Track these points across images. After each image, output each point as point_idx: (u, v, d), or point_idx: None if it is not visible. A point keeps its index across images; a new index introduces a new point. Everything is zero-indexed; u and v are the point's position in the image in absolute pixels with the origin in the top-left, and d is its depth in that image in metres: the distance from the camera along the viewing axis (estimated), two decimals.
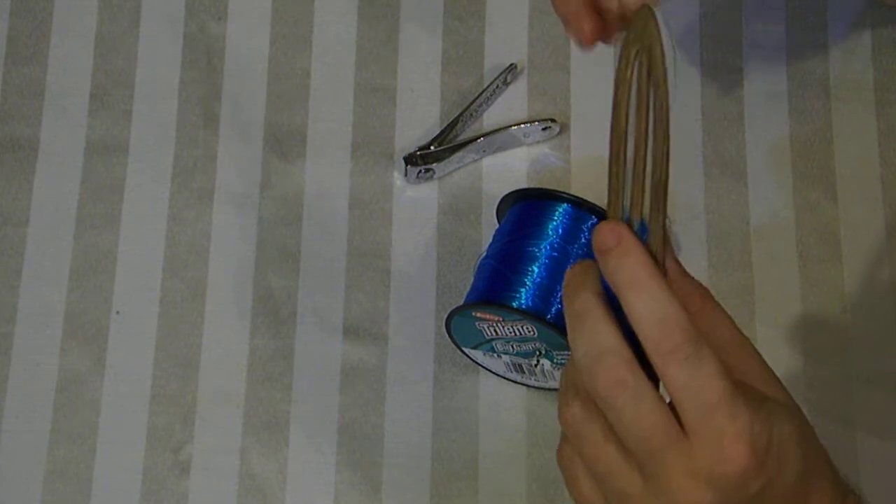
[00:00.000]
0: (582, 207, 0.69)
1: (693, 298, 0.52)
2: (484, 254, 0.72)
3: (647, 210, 0.50)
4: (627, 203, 0.51)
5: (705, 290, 0.53)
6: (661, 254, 0.51)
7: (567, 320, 0.51)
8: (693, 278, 0.53)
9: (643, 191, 0.51)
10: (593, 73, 0.81)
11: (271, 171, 0.79)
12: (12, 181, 0.79)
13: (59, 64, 0.81)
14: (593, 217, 0.70)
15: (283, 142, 0.79)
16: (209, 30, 0.82)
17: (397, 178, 0.78)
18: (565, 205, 0.69)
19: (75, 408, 0.74)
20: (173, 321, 0.76)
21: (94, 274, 0.77)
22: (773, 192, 0.78)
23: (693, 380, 0.49)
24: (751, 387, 0.51)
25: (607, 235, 0.50)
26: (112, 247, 0.77)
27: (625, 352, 0.49)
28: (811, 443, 0.52)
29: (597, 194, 0.69)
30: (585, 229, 0.69)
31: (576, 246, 0.69)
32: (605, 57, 0.81)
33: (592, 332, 0.50)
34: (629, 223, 0.51)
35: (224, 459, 0.73)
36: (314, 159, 0.79)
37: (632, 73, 0.50)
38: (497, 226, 0.73)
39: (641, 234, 0.50)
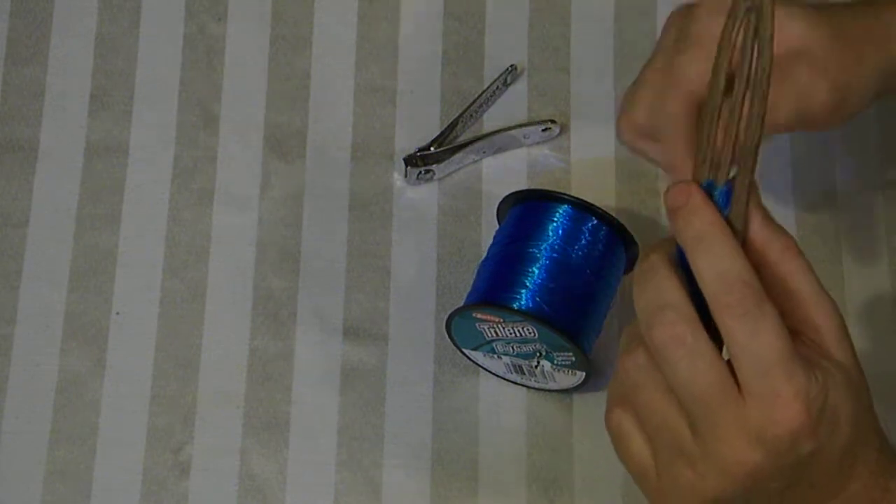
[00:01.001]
0: (582, 208, 0.69)
1: (773, 247, 0.51)
2: (485, 255, 0.73)
3: (733, 173, 0.50)
4: (709, 165, 0.51)
5: (789, 240, 0.52)
6: (743, 217, 0.51)
7: (635, 277, 0.51)
8: (777, 227, 0.52)
9: (733, 153, 0.50)
10: (593, 74, 0.81)
11: (271, 171, 0.79)
12: (12, 181, 0.79)
13: (59, 64, 0.81)
14: (593, 218, 0.70)
15: (283, 142, 0.79)
16: (209, 30, 0.82)
17: (397, 178, 0.78)
18: (566, 206, 0.70)
19: (75, 408, 0.74)
20: (173, 322, 0.76)
21: (94, 274, 0.77)
22: (774, 192, 0.78)
23: (751, 337, 0.49)
24: (815, 346, 0.51)
25: (678, 195, 0.51)
26: (112, 247, 0.77)
27: (685, 308, 0.50)
28: (866, 411, 0.52)
29: (597, 195, 0.69)
30: (586, 230, 0.69)
31: (576, 247, 0.69)
32: (605, 57, 0.81)
33: (656, 288, 0.50)
34: (712, 185, 0.51)
35: (224, 460, 0.73)
36: (314, 160, 0.79)
37: (738, 32, 0.49)
38: (497, 227, 0.73)
39: (727, 196, 0.50)
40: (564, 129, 0.79)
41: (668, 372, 0.50)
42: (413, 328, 0.75)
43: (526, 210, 0.71)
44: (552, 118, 0.78)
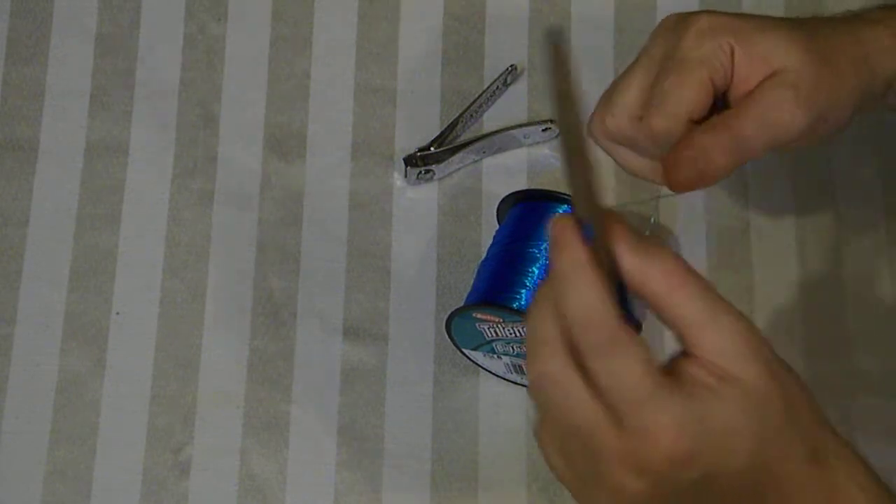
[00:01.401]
0: None
1: (651, 274, 0.51)
2: (485, 255, 0.73)
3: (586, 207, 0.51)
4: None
5: (669, 264, 0.51)
6: (605, 250, 0.50)
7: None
8: (654, 252, 0.51)
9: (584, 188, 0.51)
10: (593, 74, 0.81)
11: (271, 171, 0.79)
12: (12, 181, 0.79)
13: (59, 64, 0.81)
14: None
15: (283, 142, 0.79)
16: (209, 30, 0.82)
17: (397, 179, 0.78)
18: (565, 206, 0.70)
19: (75, 408, 0.74)
20: (173, 322, 0.76)
21: (94, 274, 0.77)
22: (774, 192, 0.78)
23: (610, 376, 0.49)
24: (711, 368, 0.51)
25: (552, 229, 0.51)
26: (112, 247, 0.77)
27: (557, 345, 0.50)
28: (786, 425, 0.51)
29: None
30: (585, 230, 0.69)
31: None
32: (605, 58, 0.81)
33: (534, 323, 0.52)
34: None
35: (224, 460, 0.73)
36: (314, 160, 0.79)
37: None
38: (497, 227, 0.73)
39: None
40: None
41: (548, 407, 0.51)
42: (413, 328, 0.75)
43: (526, 210, 0.71)
44: (552, 118, 0.78)
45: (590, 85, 0.79)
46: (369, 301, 0.76)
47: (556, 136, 0.79)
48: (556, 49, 0.49)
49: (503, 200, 0.73)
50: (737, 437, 0.50)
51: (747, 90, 0.61)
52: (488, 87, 0.79)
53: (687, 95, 0.61)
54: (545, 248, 0.69)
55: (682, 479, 0.50)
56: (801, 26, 0.63)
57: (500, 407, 0.74)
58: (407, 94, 0.80)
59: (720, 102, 0.62)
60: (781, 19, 0.64)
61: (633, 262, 0.51)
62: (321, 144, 0.79)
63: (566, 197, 0.70)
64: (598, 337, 0.50)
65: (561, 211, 0.69)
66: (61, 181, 0.79)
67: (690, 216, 0.77)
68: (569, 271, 0.50)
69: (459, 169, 0.79)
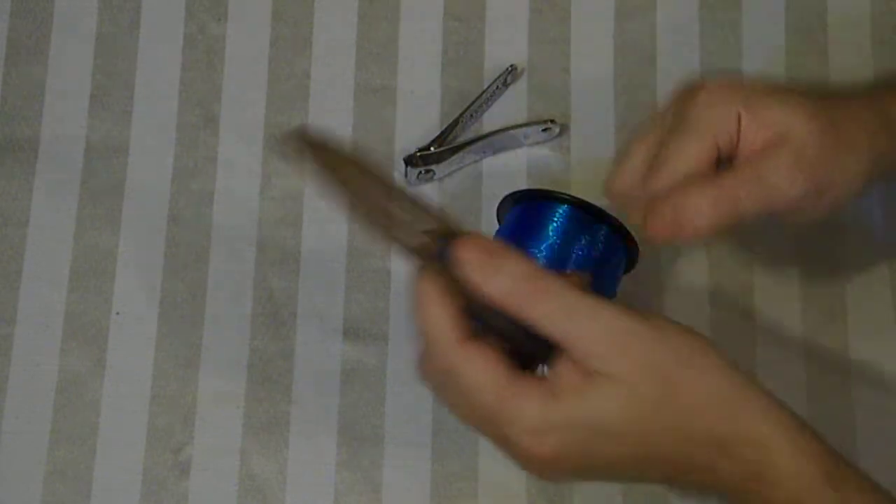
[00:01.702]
0: (582, 208, 0.69)
1: (507, 292, 0.54)
2: None
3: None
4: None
5: (525, 274, 0.54)
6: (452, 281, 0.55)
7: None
8: (507, 271, 0.54)
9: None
10: (593, 74, 0.81)
11: (271, 171, 0.79)
12: (12, 181, 0.79)
13: (59, 64, 0.81)
14: (593, 218, 0.69)
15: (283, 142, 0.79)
16: (209, 30, 0.82)
17: (397, 179, 0.78)
18: (565, 206, 0.69)
19: (75, 408, 0.74)
20: (173, 322, 0.76)
21: (94, 274, 0.77)
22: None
23: (455, 397, 0.55)
24: (565, 371, 0.54)
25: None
26: (112, 247, 0.77)
27: (442, 337, 0.55)
28: (649, 409, 0.54)
29: (597, 195, 0.69)
30: (586, 230, 0.69)
31: (576, 247, 0.69)
32: (605, 58, 0.81)
33: (420, 325, 0.56)
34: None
35: (224, 460, 0.73)
36: None
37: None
38: (497, 227, 0.73)
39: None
40: (564, 128, 0.79)
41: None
42: (413, 327, 0.75)
43: (526, 210, 0.71)
44: (552, 118, 0.78)
45: (590, 84, 0.81)
46: (369, 301, 0.76)
47: (557, 136, 0.79)
48: (308, 143, 0.55)
49: (503, 200, 0.73)
50: (607, 430, 0.53)
51: (758, 149, 0.61)
52: (488, 87, 0.79)
53: (687, 157, 0.61)
54: (546, 248, 0.69)
55: (557, 473, 0.55)
56: (815, 94, 0.63)
57: None
58: (407, 94, 0.80)
59: (724, 166, 0.63)
60: (795, 86, 0.64)
61: (480, 281, 0.54)
62: None
63: (566, 197, 0.70)
64: (439, 363, 0.55)
65: (561, 211, 0.69)
66: (61, 181, 0.79)
67: None
68: (420, 298, 0.55)
69: (459, 169, 0.79)
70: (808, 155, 0.61)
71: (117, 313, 0.76)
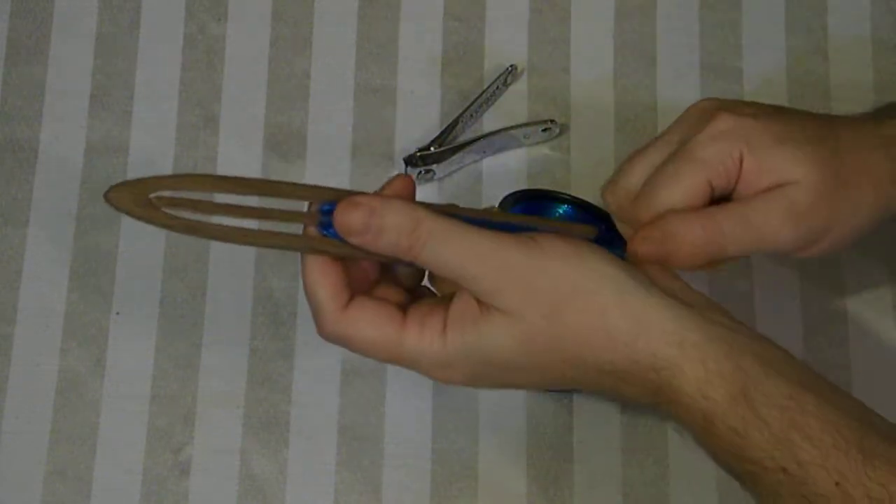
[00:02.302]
0: (582, 208, 0.69)
1: (401, 252, 0.57)
2: None
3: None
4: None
5: (415, 236, 0.56)
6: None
7: None
8: (390, 221, 0.56)
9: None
10: (593, 74, 0.81)
11: (271, 171, 0.79)
12: (12, 181, 0.79)
13: (59, 64, 0.81)
14: (592, 218, 0.69)
15: (283, 142, 0.79)
16: (209, 30, 0.82)
17: None
18: (565, 206, 0.69)
19: (75, 408, 0.74)
20: (173, 322, 0.76)
21: (94, 274, 0.77)
22: None
23: (360, 351, 0.59)
24: (462, 305, 0.57)
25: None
26: (112, 247, 0.77)
27: (324, 309, 0.57)
28: (539, 345, 0.56)
29: (597, 195, 0.69)
30: None
31: None
32: (605, 58, 0.81)
33: (309, 291, 0.58)
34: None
35: (224, 460, 0.73)
36: (314, 160, 0.79)
37: None
38: None
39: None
40: (564, 128, 0.79)
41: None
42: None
43: (526, 210, 0.71)
44: (552, 118, 0.78)
45: (590, 84, 0.81)
46: None
47: (557, 136, 0.79)
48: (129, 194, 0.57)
49: (503, 200, 0.72)
50: (504, 361, 0.56)
51: (755, 192, 0.61)
52: (488, 87, 0.79)
53: (675, 194, 0.61)
54: None
55: (482, 386, 0.60)
56: (825, 140, 0.62)
57: (500, 406, 0.74)
58: (407, 94, 0.80)
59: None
60: (805, 129, 0.62)
61: (368, 244, 0.57)
62: (321, 145, 0.79)
63: (566, 197, 0.70)
64: (332, 329, 0.58)
65: (561, 211, 0.69)
66: (61, 181, 0.78)
67: None
68: (302, 275, 0.58)
69: (459, 169, 0.79)
70: (803, 206, 0.60)
71: (117, 313, 0.76)
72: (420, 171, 0.77)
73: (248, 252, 0.77)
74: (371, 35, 0.82)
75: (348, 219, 0.56)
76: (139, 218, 0.57)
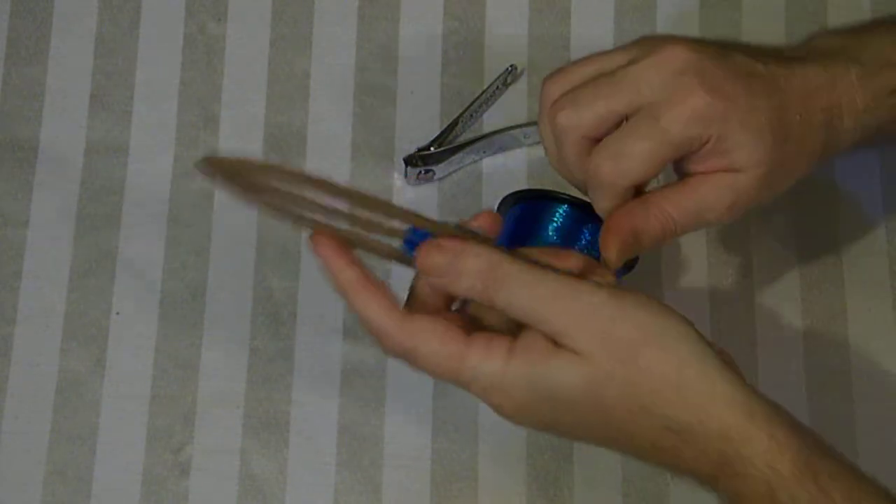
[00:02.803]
0: (582, 208, 0.69)
1: (478, 294, 0.57)
2: None
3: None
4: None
5: (488, 263, 0.56)
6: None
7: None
8: (471, 259, 0.56)
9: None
10: None
11: None
12: (12, 181, 0.79)
13: (59, 64, 0.81)
14: (593, 218, 0.69)
15: (283, 142, 0.79)
16: (209, 30, 0.82)
17: (397, 179, 0.78)
18: (565, 206, 0.69)
19: (75, 408, 0.74)
20: (173, 322, 0.76)
21: (94, 274, 0.77)
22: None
23: (420, 367, 0.57)
24: (533, 337, 0.56)
25: (315, 250, 0.59)
26: (112, 247, 0.77)
27: (385, 322, 0.57)
28: (612, 391, 0.55)
29: None
30: (586, 230, 0.69)
31: (576, 247, 0.69)
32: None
33: (361, 313, 0.58)
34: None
35: (224, 460, 0.73)
36: (314, 160, 0.79)
37: None
38: None
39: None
40: None
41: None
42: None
43: (526, 210, 0.71)
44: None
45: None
46: None
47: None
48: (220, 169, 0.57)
49: (503, 200, 0.72)
50: (567, 399, 0.55)
51: (702, 170, 0.61)
52: (488, 87, 0.79)
53: (647, 167, 0.61)
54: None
55: (528, 423, 0.58)
56: (771, 97, 0.61)
57: None
58: (407, 94, 0.80)
59: None
60: (754, 93, 0.62)
61: (447, 286, 0.57)
62: (321, 145, 0.79)
63: (566, 197, 0.70)
64: (393, 344, 0.57)
65: (561, 211, 0.69)
66: (61, 181, 0.79)
67: None
68: (346, 293, 0.58)
69: (459, 169, 0.79)
70: (745, 195, 0.61)
71: (117, 313, 0.76)
72: (420, 171, 0.77)
73: (248, 252, 0.77)
74: (371, 35, 0.82)
75: (431, 261, 0.57)
76: (224, 188, 0.57)
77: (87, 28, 0.82)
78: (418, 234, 0.58)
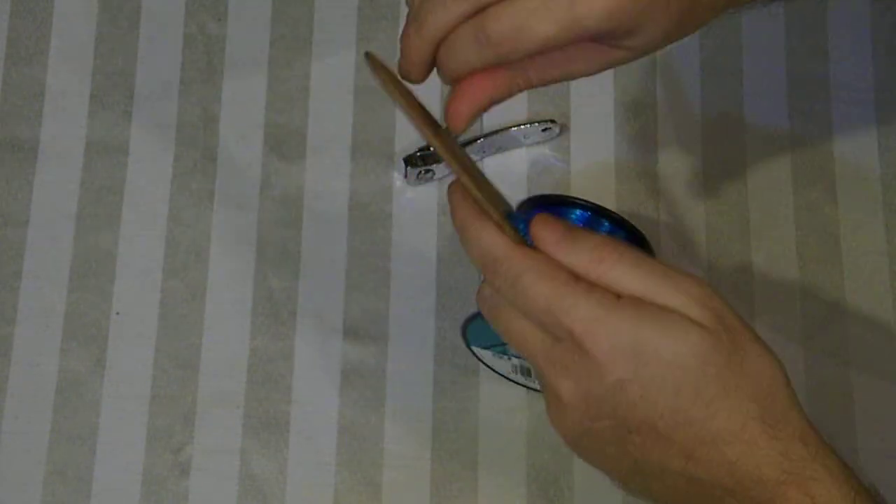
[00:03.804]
0: (600, 214, 0.68)
1: (588, 270, 0.55)
2: None
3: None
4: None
5: (599, 243, 0.55)
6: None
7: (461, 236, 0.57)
8: (585, 242, 0.55)
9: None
10: None
11: (271, 171, 0.79)
12: (12, 181, 0.79)
13: (59, 64, 0.81)
14: (607, 223, 0.69)
15: (283, 142, 0.80)
16: (209, 30, 0.82)
17: (397, 178, 0.78)
18: (578, 210, 0.69)
19: (75, 408, 0.74)
20: (173, 322, 0.76)
21: (94, 274, 0.77)
22: (773, 192, 0.78)
23: (518, 302, 0.55)
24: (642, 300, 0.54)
25: (449, 195, 0.58)
26: (112, 247, 0.77)
27: (497, 252, 0.55)
28: (717, 362, 0.53)
29: (597, 195, 0.69)
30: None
31: None
32: None
33: (477, 244, 0.56)
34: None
35: (224, 460, 0.73)
36: (314, 160, 0.79)
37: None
38: None
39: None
40: (564, 129, 0.79)
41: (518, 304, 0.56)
42: (413, 328, 0.75)
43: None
44: (552, 118, 0.78)
45: (590, 84, 0.80)
46: (369, 301, 0.76)
47: (557, 136, 0.79)
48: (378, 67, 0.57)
49: (520, 205, 0.72)
50: (665, 361, 0.53)
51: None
52: None
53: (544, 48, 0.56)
54: None
55: (612, 401, 0.54)
56: None
57: (499, 407, 0.74)
58: None
59: None
60: None
61: (560, 256, 0.55)
62: (321, 145, 0.79)
63: (581, 202, 0.68)
64: (497, 270, 0.55)
65: (577, 215, 0.69)
66: (61, 181, 0.79)
67: (690, 216, 0.77)
68: (466, 224, 0.56)
69: None
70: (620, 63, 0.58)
71: (117, 313, 0.76)
72: (420, 171, 0.77)
73: (249, 252, 0.77)
74: (371, 35, 0.82)
75: (546, 228, 0.56)
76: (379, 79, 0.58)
77: (87, 28, 0.82)
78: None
